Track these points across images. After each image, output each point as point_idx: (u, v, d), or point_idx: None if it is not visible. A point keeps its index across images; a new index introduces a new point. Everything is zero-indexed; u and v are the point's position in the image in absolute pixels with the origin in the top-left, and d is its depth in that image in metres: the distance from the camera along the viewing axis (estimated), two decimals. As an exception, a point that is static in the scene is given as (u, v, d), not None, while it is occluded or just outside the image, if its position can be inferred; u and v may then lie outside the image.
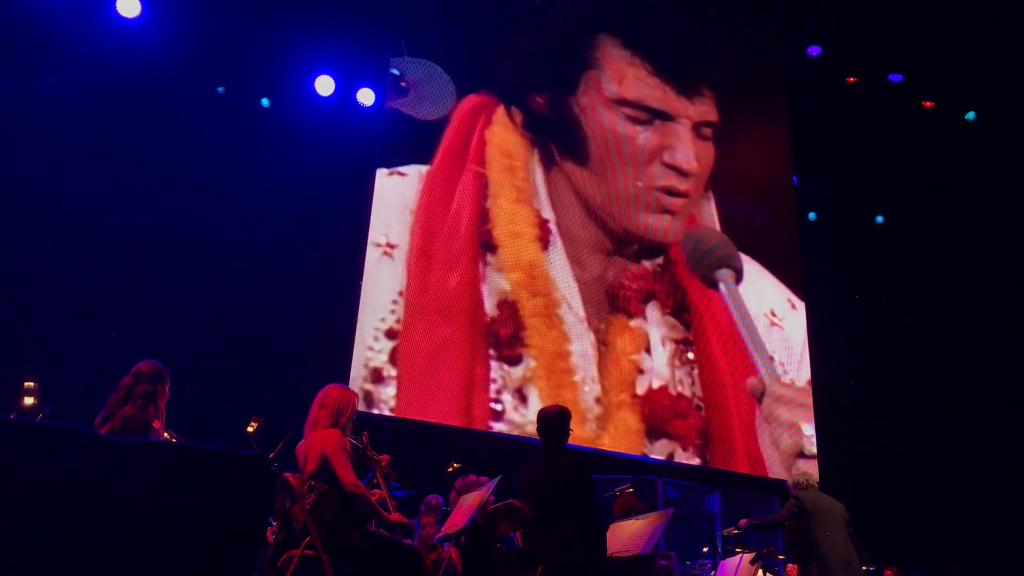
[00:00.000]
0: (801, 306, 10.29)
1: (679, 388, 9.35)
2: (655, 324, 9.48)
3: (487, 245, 9.02)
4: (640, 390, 9.09)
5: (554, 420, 5.18)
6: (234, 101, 9.31)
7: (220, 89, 9.32)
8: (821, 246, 11.23)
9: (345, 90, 9.67)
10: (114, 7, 8.69)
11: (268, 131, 9.28)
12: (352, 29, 9.63)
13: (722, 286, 9.83)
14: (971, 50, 10.86)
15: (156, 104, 8.75)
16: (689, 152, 10.05)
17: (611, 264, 9.47)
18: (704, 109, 10.36)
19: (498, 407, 8.59)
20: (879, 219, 11.74)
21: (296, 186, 9.07)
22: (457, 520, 4.94)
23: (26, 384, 6.24)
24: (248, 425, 4.97)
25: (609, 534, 5.28)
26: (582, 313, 9.19)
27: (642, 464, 8.80)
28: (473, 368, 8.63)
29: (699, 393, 9.42)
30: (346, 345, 8.32)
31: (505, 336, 8.79)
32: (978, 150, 11.15)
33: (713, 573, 7.40)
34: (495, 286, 8.92)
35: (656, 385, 9.20)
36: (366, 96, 9.70)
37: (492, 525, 4.89)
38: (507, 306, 8.89)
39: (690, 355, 9.56)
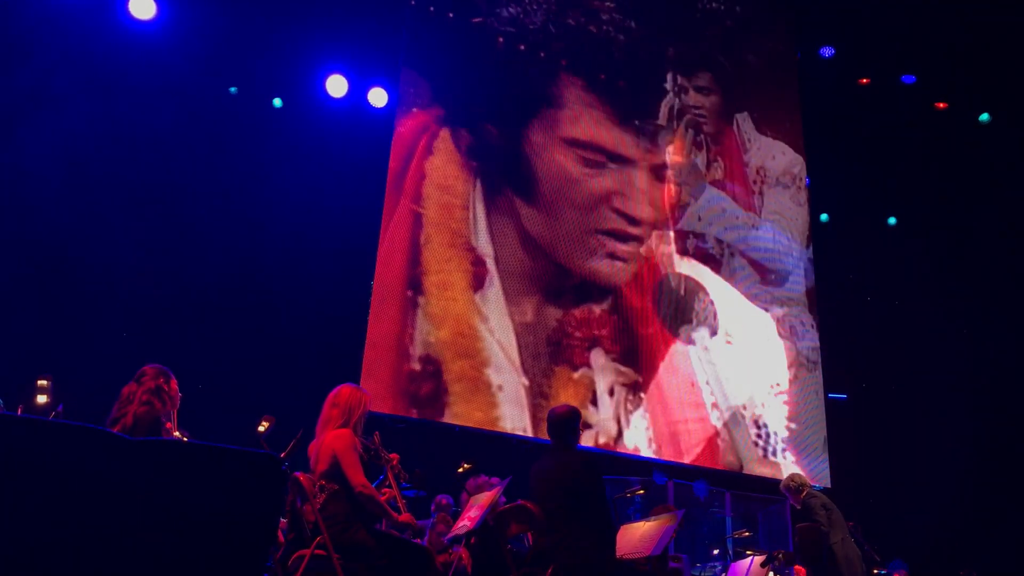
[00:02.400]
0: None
1: (629, 442, 9.05)
2: (601, 371, 9.22)
3: (417, 289, 8.71)
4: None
5: (564, 420, 5.18)
6: (246, 101, 9.34)
7: (232, 89, 9.35)
8: (833, 247, 11.19)
9: (357, 91, 9.68)
10: (128, 8, 8.73)
11: (280, 131, 9.31)
12: (364, 30, 9.65)
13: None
14: (985, 51, 10.81)
15: (169, 104, 8.77)
16: (642, 198, 10.02)
17: (554, 308, 9.18)
18: (663, 151, 10.36)
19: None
20: (892, 220, 11.68)
21: (308, 186, 9.09)
22: (468, 521, 4.94)
23: (39, 382, 6.26)
24: (259, 424, 4.98)
25: (620, 536, 5.27)
26: (518, 361, 8.83)
27: (654, 465, 8.77)
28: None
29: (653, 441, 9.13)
30: (358, 344, 8.33)
31: (425, 395, 8.40)
32: (992, 151, 11.08)
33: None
34: (422, 338, 8.56)
35: (601, 441, 8.87)
36: (378, 97, 9.71)
37: (503, 526, 4.89)
38: (431, 363, 8.53)
39: (641, 399, 9.30)
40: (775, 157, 11.00)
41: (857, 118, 11.37)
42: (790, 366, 10.14)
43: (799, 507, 7.00)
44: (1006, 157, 11.03)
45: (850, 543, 6.78)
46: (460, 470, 6.41)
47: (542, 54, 10.05)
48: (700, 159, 10.51)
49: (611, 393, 9.14)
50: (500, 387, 8.66)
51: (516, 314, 8.97)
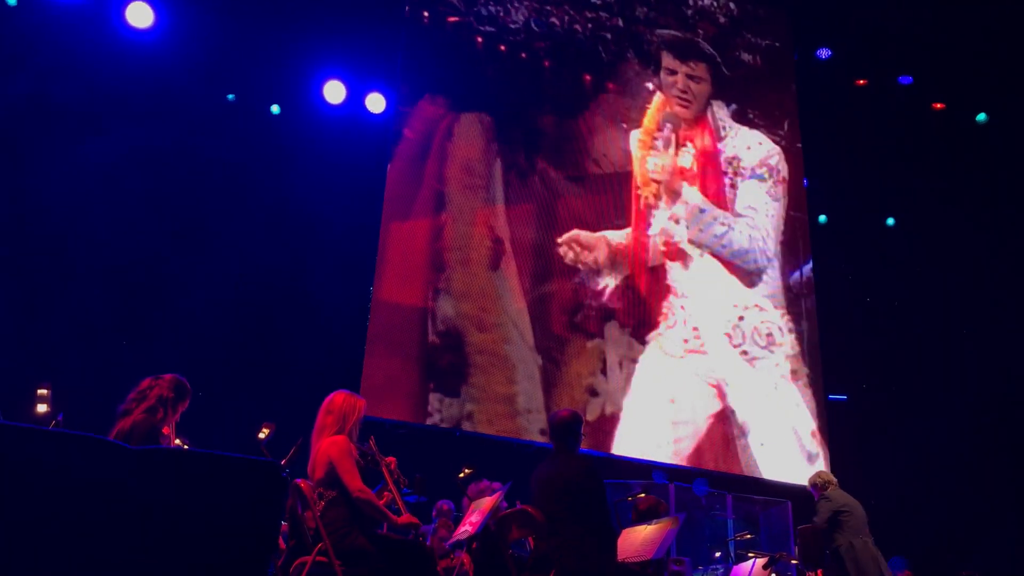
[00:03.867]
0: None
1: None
2: (614, 343, 9.33)
3: (439, 266, 8.94)
4: (591, 416, 8.85)
5: (566, 424, 5.18)
6: (244, 108, 9.35)
7: (230, 96, 9.36)
8: (831, 248, 11.20)
9: (354, 96, 9.69)
10: (125, 16, 8.75)
11: (278, 138, 9.32)
12: (361, 36, 9.66)
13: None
14: (981, 52, 10.82)
15: (167, 111, 8.79)
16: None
17: (568, 281, 9.36)
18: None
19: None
20: (890, 221, 11.69)
21: (306, 192, 9.10)
22: (469, 526, 4.94)
23: (39, 391, 6.27)
24: (260, 431, 4.99)
25: (621, 539, 5.27)
26: (531, 340, 9.02)
27: (655, 468, 8.77)
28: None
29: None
30: (358, 351, 8.34)
31: (445, 367, 8.64)
32: (989, 152, 11.09)
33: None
34: (443, 312, 8.80)
35: (608, 411, 9.01)
36: (375, 103, 9.72)
37: (504, 531, 4.89)
38: (451, 337, 8.77)
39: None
40: (750, 147, 10.83)
41: (855, 119, 11.38)
42: (770, 372, 9.88)
43: None
44: (1003, 157, 11.04)
45: (865, 547, 6.69)
46: (461, 475, 6.40)
47: (523, 55, 10.10)
48: (672, 147, 10.43)
49: (620, 366, 9.26)
50: (516, 364, 8.88)
51: (532, 291, 9.16)
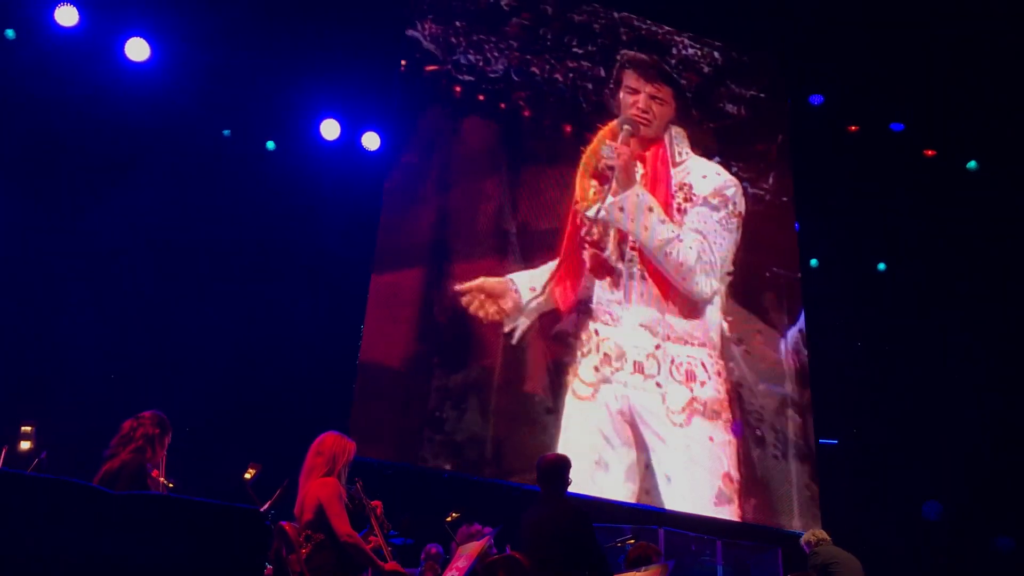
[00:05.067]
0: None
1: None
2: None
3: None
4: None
5: (555, 468, 5.16)
6: (240, 144, 9.37)
7: (226, 132, 9.39)
8: (823, 292, 11.22)
9: (350, 134, 9.73)
10: (123, 50, 8.80)
11: (273, 174, 9.33)
12: (358, 73, 9.72)
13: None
14: (973, 99, 10.95)
15: (163, 146, 8.81)
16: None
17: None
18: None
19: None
20: (881, 266, 11.74)
21: (300, 229, 9.10)
22: (456, 571, 4.88)
23: (23, 428, 6.21)
24: (246, 472, 4.94)
25: (610, 586, 5.21)
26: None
27: (643, 513, 8.70)
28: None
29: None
30: (347, 390, 8.29)
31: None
32: (979, 198, 11.18)
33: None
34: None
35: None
36: (371, 140, 9.76)
37: (491, 576, 4.84)
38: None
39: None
40: (706, 176, 10.51)
41: (847, 164, 11.47)
42: (683, 409, 9.38)
43: None
44: (993, 203, 11.12)
45: None
46: (449, 519, 6.35)
47: (503, 105, 9.98)
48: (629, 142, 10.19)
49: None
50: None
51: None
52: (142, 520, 2.72)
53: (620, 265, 9.68)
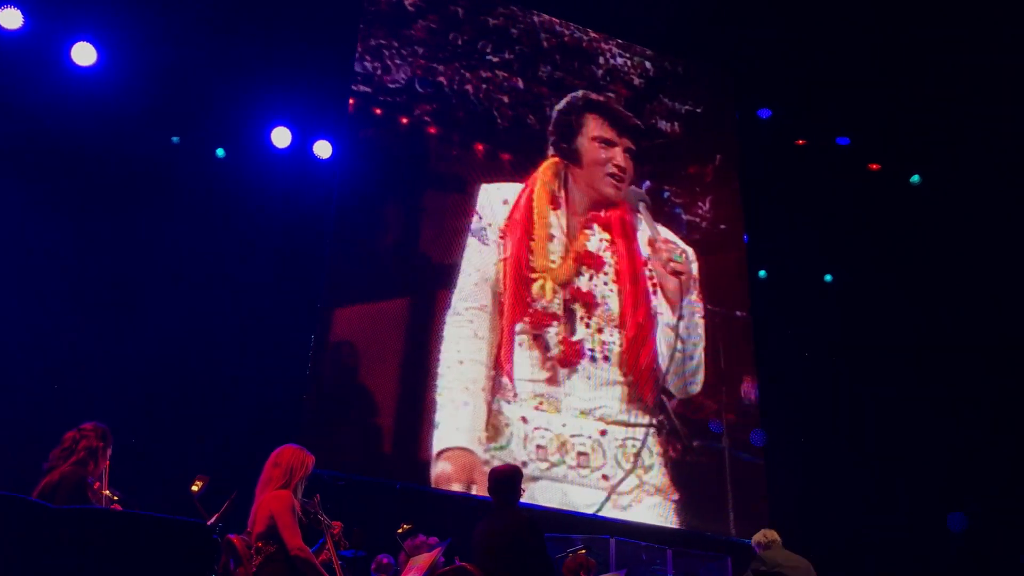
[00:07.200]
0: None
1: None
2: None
3: None
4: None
5: (506, 479, 5.17)
6: (189, 151, 9.23)
7: (175, 139, 9.24)
8: (771, 302, 11.38)
9: (302, 141, 9.63)
10: (69, 55, 8.63)
11: (223, 182, 9.20)
12: (309, 81, 9.61)
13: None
14: (916, 116, 11.22)
15: (110, 153, 8.64)
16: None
17: None
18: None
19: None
20: (828, 277, 11.96)
21: (251, 238, 8.98)
22: (406, 583, 4.86)
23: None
24: (193, 484, 4.87)
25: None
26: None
27: (594, 523, 8.72)
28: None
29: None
30: (298, 401, 8.21)
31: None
32: (922, 211, 11.46)
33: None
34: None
35: None
36: (323, 148, 9.67)
37: (441, 588, 4.82)
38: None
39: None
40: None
41: (794, 177, 11.66)
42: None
43: None
44: (935, 216, 11.39)
45: None
46: (399, 530, 6.31)
47: (404, 119, 9.04)
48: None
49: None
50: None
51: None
52: (83, 534, 2.65)
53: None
